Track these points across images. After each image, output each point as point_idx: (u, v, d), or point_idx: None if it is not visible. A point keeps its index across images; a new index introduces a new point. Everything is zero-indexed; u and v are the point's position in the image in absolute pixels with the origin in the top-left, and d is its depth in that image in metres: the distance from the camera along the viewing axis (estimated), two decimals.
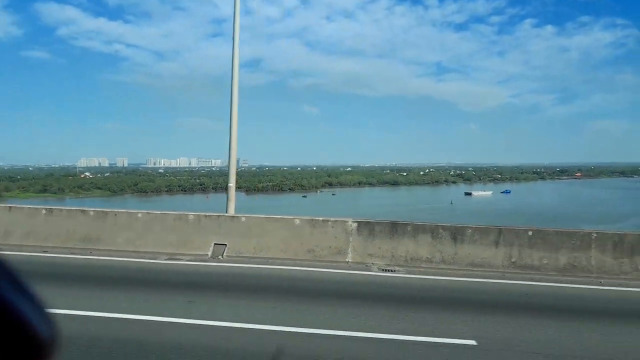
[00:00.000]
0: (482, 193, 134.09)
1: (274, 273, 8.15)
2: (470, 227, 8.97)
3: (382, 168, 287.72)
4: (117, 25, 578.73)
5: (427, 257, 8.78)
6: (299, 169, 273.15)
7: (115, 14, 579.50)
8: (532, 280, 8.03)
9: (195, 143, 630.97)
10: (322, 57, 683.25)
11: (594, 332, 5.72)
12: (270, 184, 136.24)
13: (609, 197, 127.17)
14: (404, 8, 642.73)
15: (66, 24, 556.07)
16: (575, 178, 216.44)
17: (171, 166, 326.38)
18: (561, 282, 7.99)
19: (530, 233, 8.74)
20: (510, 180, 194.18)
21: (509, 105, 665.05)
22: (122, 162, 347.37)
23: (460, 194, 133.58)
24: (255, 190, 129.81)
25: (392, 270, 8.45)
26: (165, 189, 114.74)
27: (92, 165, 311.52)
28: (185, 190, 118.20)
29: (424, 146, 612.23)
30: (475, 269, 8.52)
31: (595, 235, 8.54)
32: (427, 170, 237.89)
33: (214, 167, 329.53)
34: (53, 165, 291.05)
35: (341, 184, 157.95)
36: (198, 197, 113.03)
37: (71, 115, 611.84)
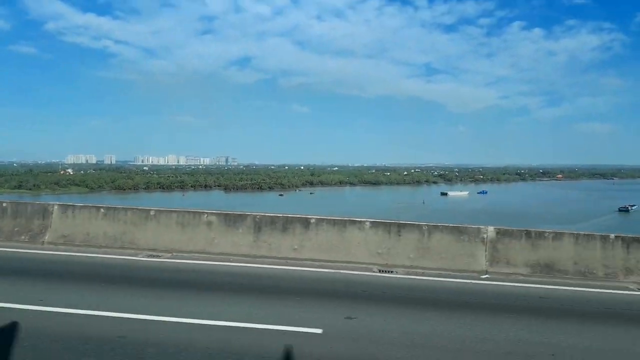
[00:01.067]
0: (459, 193, 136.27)
1: None
2: None
3: (370, 168, 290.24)
4: (106, 20, 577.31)
5: None
6: (286, 167, 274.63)
7: (103, 9, 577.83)
8: None
9: (184, 141, 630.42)
10: (312, 56, 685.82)
11: None
12: (250, 182, 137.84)
13: (580, 198, 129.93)
14: (394, 8, 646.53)
15: (54, 18, 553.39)
16: (556, 180, 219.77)
17: (159, 164, 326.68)
18: None
19: None
20: (491, 181, 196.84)
21: (498, 107, 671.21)
22: (110, 159, 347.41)
23: (437, 194, 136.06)
24: (234, 188, 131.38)
25: None
26: (143, 187, 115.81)
27: (79, 162, 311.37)
28: (163, 188, 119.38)
29: (413, 147, 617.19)
30: None
31: None
32: (413, 171, 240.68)
33: (201, 165, 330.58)
34: (39, 162, 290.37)
35: (322, 183, 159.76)
36: (175, 194, 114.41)
37: (59, 112, 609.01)
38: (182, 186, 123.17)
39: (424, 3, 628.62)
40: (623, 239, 8.60)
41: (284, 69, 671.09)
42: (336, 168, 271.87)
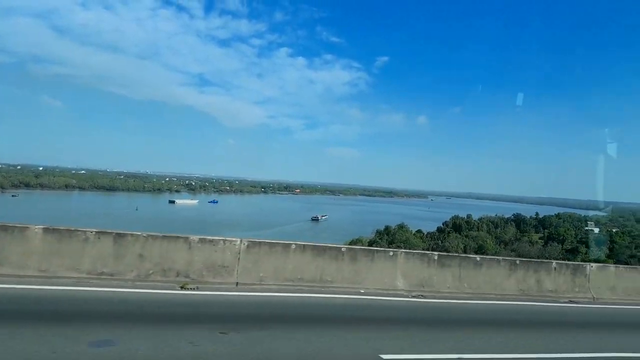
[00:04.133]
0: (187, 201, 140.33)
1: None
2: None
3: (129, 174, 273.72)
4: None
5: None
6: (19, 167, 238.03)
7: None
8: None
9: None
10: (73, 46, 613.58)
11: None
12: None
13: (295, 209, 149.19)
14: (169, 12, 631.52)
15: None
16: (294, 193, 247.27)
17: None
18: None
19: None
20: (235, 192, 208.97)
21: (266, 125, 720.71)
22: None
23: (166, 202, 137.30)
24: None
25: None
26: None
27: None
28: None
29: (180, 156, 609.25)
30: None
31: None
32: (168, 179, 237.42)
33: None
34: None
35: (43, 186, 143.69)
36: None
37: None
38: None
39: (200, 13, 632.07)
40: None
41: (36, 55, 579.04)
42: (83, 172, 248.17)
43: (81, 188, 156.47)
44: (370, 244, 52.77)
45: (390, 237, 54.22)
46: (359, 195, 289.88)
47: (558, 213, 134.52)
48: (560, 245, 77.79)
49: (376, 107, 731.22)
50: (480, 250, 57.99)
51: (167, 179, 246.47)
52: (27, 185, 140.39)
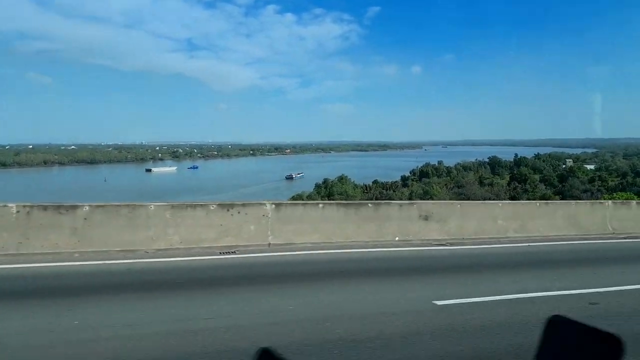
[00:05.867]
0: (165, 169, 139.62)
1: None
2: None
3: (122, 147, 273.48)
4: None
5: None
6: (7, 147, 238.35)
7: None
8: None
9: None
10: (58, 19, 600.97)
11: None
12: None
13: (276, 169, 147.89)
14: None
15: None
16: (284, 154, 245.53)
17: None
18: None
19: None
20: (221, 157, 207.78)
21: (257, 87, 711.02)
22: None
23: (143, 171, 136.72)
24: None
25: None
26: None
27: None
28: None
29: (175, 124, 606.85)
30: None
31: None
32: (157, 148, 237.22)
33: None
34: None
35: (20, 164, 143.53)
36: None
37: None
38: None
39: None
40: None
41: (21, 31, 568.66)
42: (73, 147, 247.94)
43: (61, 163, 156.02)
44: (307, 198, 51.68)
45: (328, 190, 53.08)
46: (352, 151, 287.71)
47: (537, 153, 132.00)
48: (521, 185, 76.78)
49: (369, 60, 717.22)
50: (425, 195, 56.79)
51: (157, 147, 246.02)
52: (4, 165, 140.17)
